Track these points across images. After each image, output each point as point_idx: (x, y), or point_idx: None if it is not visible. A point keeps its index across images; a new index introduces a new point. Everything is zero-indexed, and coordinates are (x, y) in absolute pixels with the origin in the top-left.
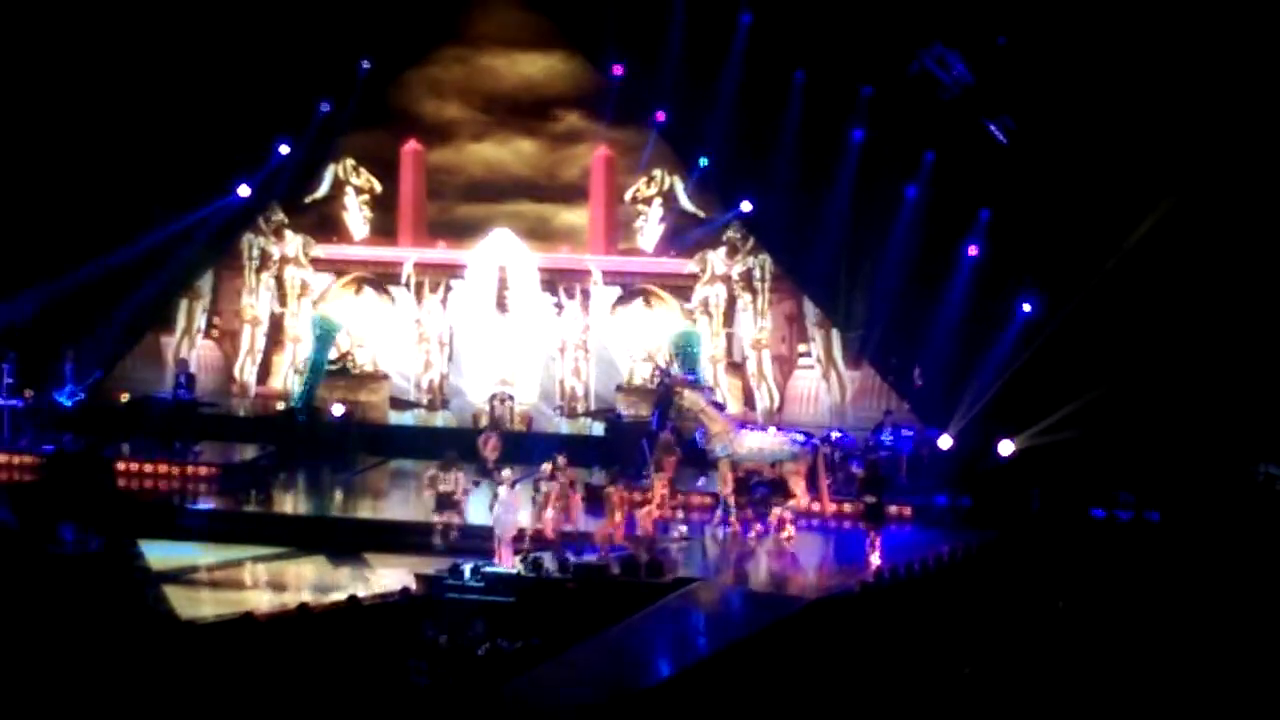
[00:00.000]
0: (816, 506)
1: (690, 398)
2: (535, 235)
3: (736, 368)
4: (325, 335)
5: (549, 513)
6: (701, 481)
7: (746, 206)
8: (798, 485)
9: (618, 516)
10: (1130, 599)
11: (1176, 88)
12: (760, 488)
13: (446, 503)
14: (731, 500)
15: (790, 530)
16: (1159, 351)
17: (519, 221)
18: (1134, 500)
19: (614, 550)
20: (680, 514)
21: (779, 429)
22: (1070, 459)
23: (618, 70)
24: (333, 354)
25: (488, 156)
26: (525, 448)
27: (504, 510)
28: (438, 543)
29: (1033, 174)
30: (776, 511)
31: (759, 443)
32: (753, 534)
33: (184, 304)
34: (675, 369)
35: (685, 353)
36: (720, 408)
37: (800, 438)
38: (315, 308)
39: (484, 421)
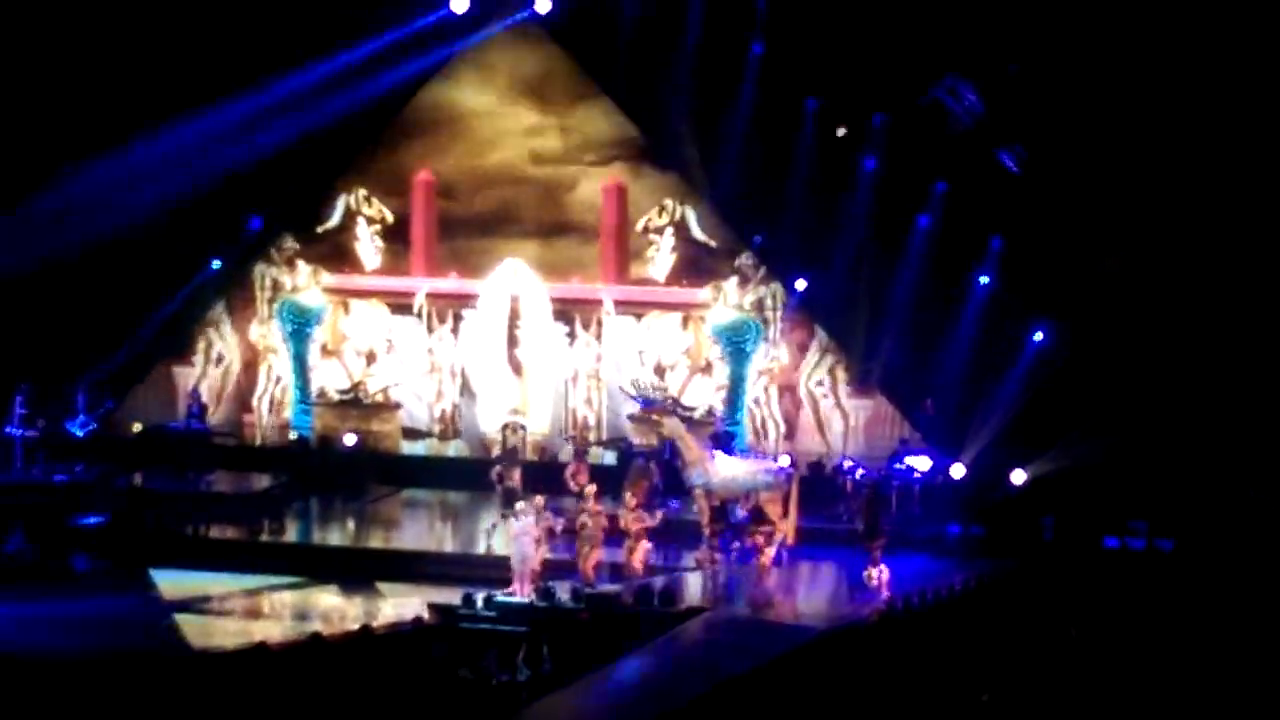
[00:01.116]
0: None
1: (670, 425)
2: (547, 265)
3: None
4: (299, 325)
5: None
6: (676, 505)
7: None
8: (774, 513)
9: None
10: (1144, 628)
11: (1187, 115)
12: (737, 517)
13: (515, 497)
14: (707, 530)
15: (768, 553)
16: (1171, 380)
17: (530, 252)
18: (1147, 529)
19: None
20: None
21: (756, 457)
22: (1083, 488)
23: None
24: (344, 382)
25: (500, 188)
26: (544, 479)
27: (521, 541)
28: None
29: (1044, 203)
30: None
31: (733, 471)
32: (732, 558)
33: (196, 334)
34: (643, 384)
35: (731, 344)
36: (724, 441)
37: (774, 466)
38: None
39: (495, 451)
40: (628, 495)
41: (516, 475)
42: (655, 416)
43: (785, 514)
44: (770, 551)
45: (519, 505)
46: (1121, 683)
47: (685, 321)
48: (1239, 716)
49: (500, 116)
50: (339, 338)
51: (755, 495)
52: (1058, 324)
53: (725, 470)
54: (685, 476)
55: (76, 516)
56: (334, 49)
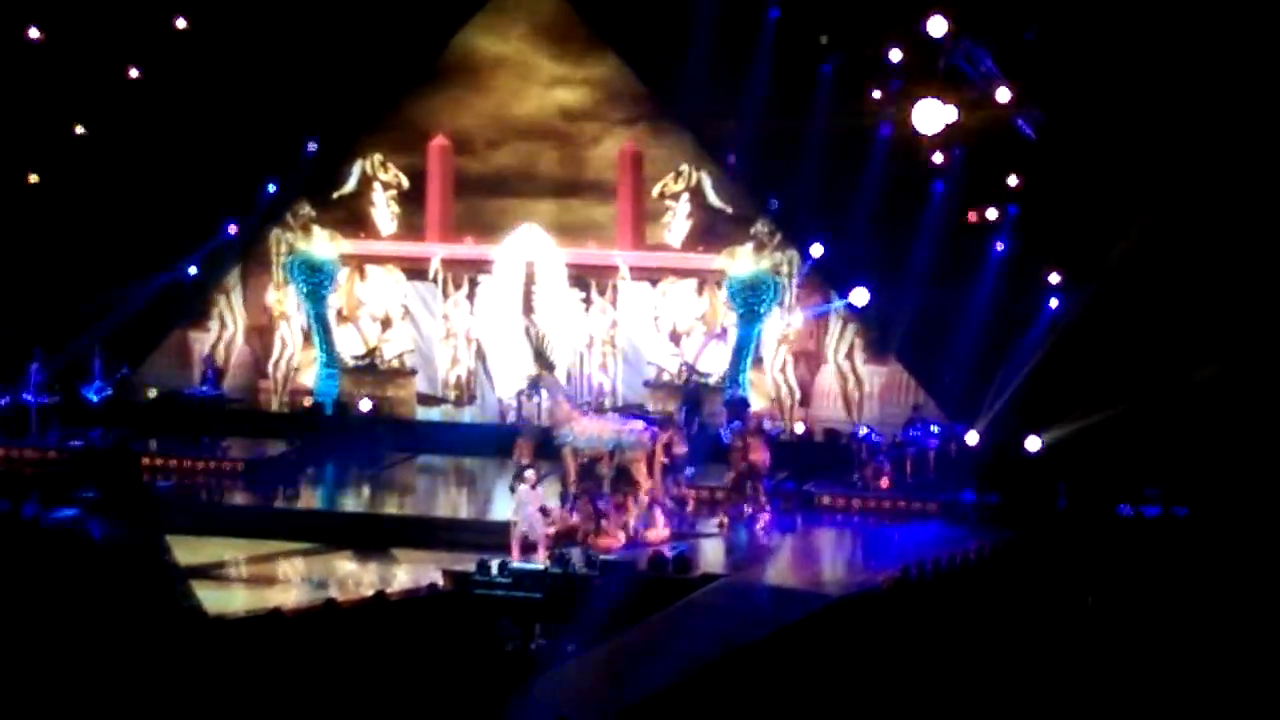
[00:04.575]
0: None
1: (546, 380)
2: (563, 229)
3: (762, 363)
4: (314, 285)
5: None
6: (690, 472)
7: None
8: (640, 473)
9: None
10: (1159, 594)
11: (1207, 78)
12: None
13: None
14: (573, 488)
15: (659, 517)
16: (1187, 346)
17: (546, 217)
18: (1161, 495)
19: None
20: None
21: (623, 416)
22: (1098, 454)
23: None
24: (359, 348)
25: (515, 153)
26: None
27: (523, 508)
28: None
29: (1061, 168)
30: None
31: (596, 429)
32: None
33: (212, 299)
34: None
35: (746, 305)
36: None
37: (639, 425)
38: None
39: (511, 417)
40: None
41: (526, 451)
42: (541, 372)
43: (651, 473)
44: (660, 514)
45: (527, 473)
46: (1137, 650)
47: (701, 287)
48: (1255, 686)
49: (519, 68)
50: (354, 303)
51: (620, 454)
52: (1074, 290)
53: (590, 429)
54: (554, 435)
55: (79, 490)
56: None
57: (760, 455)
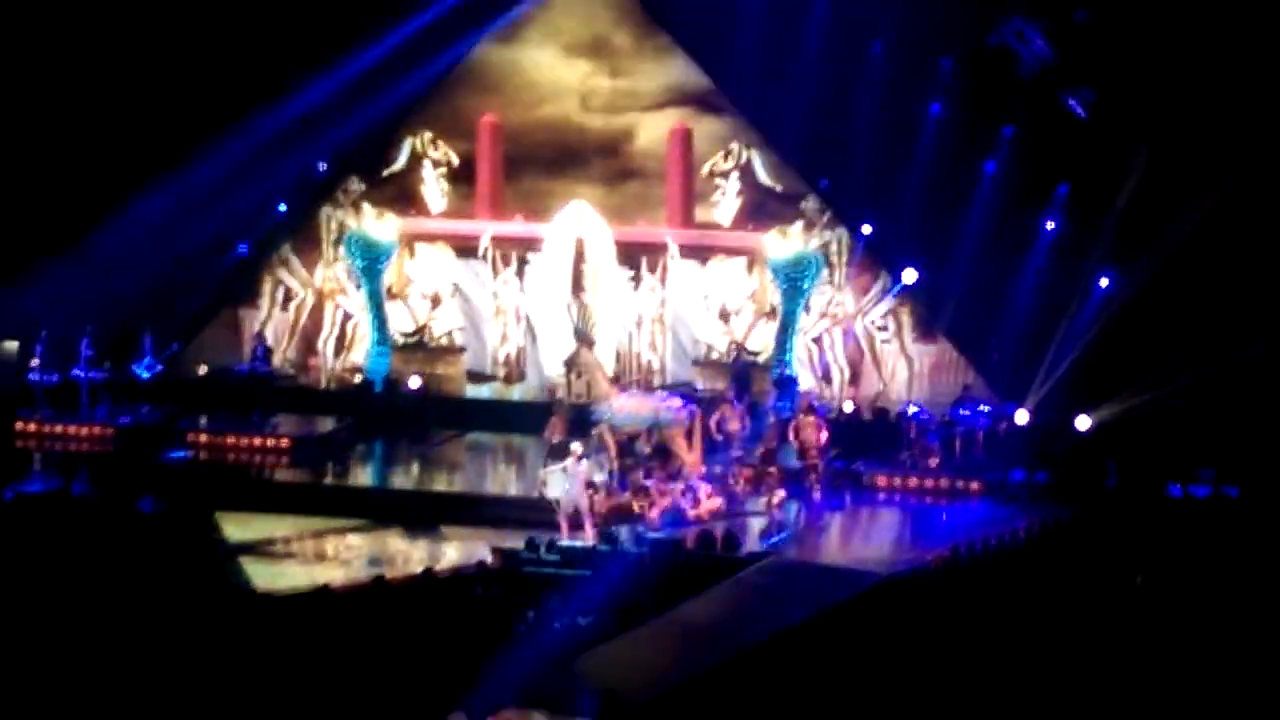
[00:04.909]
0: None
1: (586, 357)
2: (612, 208)
3: (814, 341)
4: (370, 261)
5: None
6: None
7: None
8: (680, 448)
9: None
10: (1209, 574)
11: (1257, 60)
12: (644, 455)
13: (560, 450)
14: (616, 465)
15: (707, 495)
16: (1239, 325)
17: (596, 195)
18: (1213, 475)
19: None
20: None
21: (664, 394)
22: (1148, 434)
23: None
24: (409, 325)
25: (566, 130)
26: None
27: (570, 484)
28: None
29: (1112, 148)
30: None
31: (633, 406)
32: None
33: (262, 276)
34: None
35: (789, 281)
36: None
37: (678, 403)
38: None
39: (560, 394)
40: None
41: (558, 428)
42: (583, 348)
43: (691, 448)
44: (708, 492)
45: (573, 447)
46: (1187, 630)
47: (750, 266)
48: None
49: (561, 69)
50: (404, 281)
51: (658, 431)
52: (1124, 269)
53: (628, 406)
54: (591, 413)
55: (166, 452)
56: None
57: (810, 435)
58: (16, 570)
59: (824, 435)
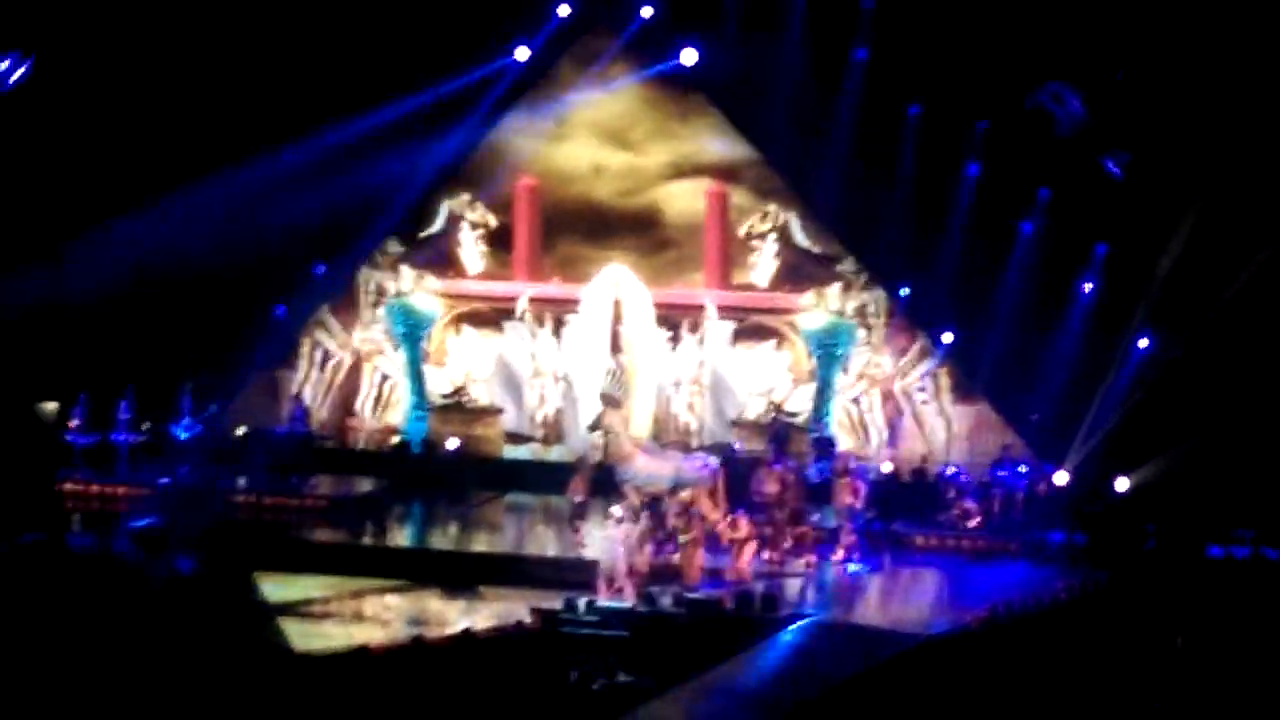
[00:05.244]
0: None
1: (611, 418)
2: (649, 270)
3: (851, 402)
4: (411, 328)
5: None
6: (816, 517)
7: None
8: (706, 508)
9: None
10: (1250, 637)
11: None
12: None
13: (581, 510)
14: (647, 523)
15: (747, 553)
16: (1276, 386)
17: (632, 258)
18: (1253, 536)
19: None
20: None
21: (685, 455)
22: (1188, 495)
23: None
24: (447, 388)
25: (602, 192)
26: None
27: (615, 545)
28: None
29: (1150, 209)
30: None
31: (656, 466)
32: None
33: (300, 338)
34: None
35: (822, 348)
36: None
37: (698, 462)
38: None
39: (598, 457)
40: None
41: (580, 486)
42: (607, 406)
43: (715, 507)
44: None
45: (614, 510)
46: (1228, 693)
47: (779, 344)
48: None
49: (594, 153)
50: (443, 351)
51: (681, 490)
52: (1163, 331)
53: (650, 466)
54: (615, 472)
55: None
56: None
57: (842, 496)
58: (54, 626)
59: (857, 497)
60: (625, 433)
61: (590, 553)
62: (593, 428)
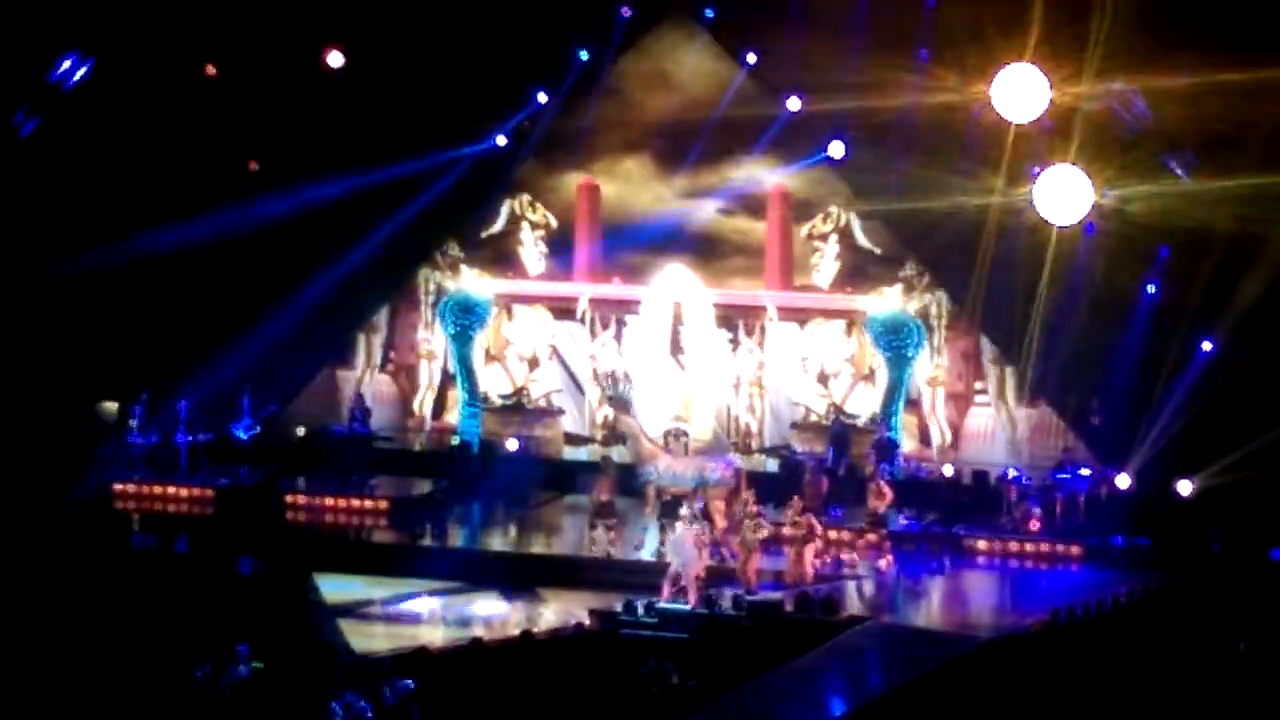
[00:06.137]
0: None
1: (626, 422)
2: (710, 271)
3: (913, 404)
4: (463, 325)
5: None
6: (837, 513)
7: None
8: (717, 512)
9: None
10: None
11: None
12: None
13: (607, 511)
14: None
15: (808, 555)
16: None
17: (692, 259)
18: None
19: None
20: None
21: (705, 456)
22: (1252, 498)
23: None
24: (507, 388)
25: (661, 192)
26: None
27: (682, 547)
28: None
29: (1214, 211)
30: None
31: (679, 467)
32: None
33: (361, 338)
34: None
35: (891, 348)
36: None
37: (722, 462)
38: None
39: (628, 458)
40: (796, 500)
41: (605, 488)
42: (619, 411)
43: (728, 511)
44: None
45: (681, 512)
46: None
47: (849, 328)
48: None
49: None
50: (502, 343)
51: (703, 491)
52: (1226, 333)
53: (674, 467)
54: (637, 473)
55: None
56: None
57: (872, 500)
58: (117, 627)
59: (884, 500)
60: (643, 433)
61: (645, 554)
62: (608, 431)
